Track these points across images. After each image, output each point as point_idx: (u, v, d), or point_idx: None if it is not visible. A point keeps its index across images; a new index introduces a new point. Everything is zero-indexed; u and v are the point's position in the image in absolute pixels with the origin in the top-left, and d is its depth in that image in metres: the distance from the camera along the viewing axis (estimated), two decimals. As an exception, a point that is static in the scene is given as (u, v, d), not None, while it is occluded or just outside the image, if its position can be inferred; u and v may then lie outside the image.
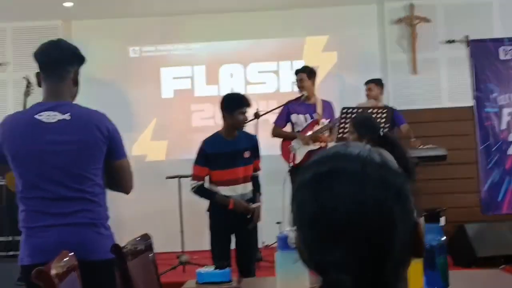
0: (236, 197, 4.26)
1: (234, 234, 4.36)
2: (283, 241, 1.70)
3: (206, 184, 4.34)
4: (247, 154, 4.31)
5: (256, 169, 4.44)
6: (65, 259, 1.90)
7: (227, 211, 4.25)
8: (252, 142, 4.38)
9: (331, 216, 0.85)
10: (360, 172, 0.86)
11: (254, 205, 4.31)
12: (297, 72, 6.01)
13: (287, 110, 5.87)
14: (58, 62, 2.58)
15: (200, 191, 4.29)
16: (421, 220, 0.89)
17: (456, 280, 2.29)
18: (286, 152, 5.81)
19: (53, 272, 1.71)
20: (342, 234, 0.84)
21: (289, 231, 1.69)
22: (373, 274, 0.84)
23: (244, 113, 4.29)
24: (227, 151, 4.25)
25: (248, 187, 4.37)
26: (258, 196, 4.42)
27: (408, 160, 3.49)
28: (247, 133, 4.48)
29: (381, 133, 4.01)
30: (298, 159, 5.67)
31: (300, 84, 5.94)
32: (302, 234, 0.90)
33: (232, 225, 4.32)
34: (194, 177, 4.28)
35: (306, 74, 5.96)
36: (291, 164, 5.65)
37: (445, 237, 2.24)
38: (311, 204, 0.87)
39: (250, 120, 5.29)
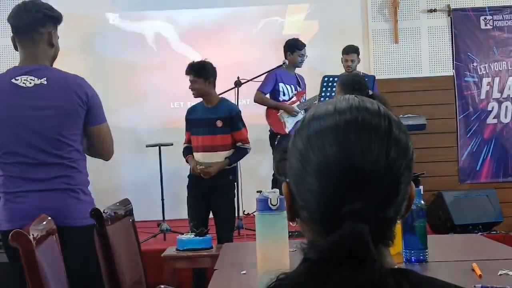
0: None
1: (210, 203, 4.43)
2: (264, 203, 1.70)
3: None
4: (219, 124, 4.33)
5: (238, 140, 4.42)
6: (43, 223, 1.88)
7: (201, 178, 4.35)
8: (228, 113, 4.38)
9: (358, 165, 0.87)
10: (387, 129, 0.90)
11: (200, 167, 4.34)
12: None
13: (275, 78, 5.77)
14: (30, 25, 2.52)
15: (182, 152, 4.57)
16: (412, 183, 0.93)
17: (435, 244, 2.32)
18: (274, 120, 5.77)
19: (31, 235, 1.69)
20: (367, 184, 0.86)
21: (270, 193, 1.68)
22: (378, 227, 0.87)
23: (190, 81, 4.41)
24: (198, 117, 4.42)
25: (218, 157, 4.38)
26: (225, 161, 4.39)
27: None
28: (229, 103, 4.54)
29: (370, 93, 3.88)
30: (289, 128, 5.69)
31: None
32: (319, 183, 0.89)
33: (206, 192, 4.38)
34: (185, 140, 4.60)
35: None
36: (283, 132, 5.66)
37: (423, 202, 2.27)
38: (337, 151, 0.88)
39: (230, 89, 5.28)
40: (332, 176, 0.88)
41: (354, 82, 3.83)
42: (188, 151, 4.53)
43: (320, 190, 0.89)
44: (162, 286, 0.67)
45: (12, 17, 2.55)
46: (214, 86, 4.47)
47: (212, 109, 4.40)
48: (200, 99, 4.52)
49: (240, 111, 4.52)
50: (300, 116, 5.74)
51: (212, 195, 4.38)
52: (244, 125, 4.49)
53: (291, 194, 0.94)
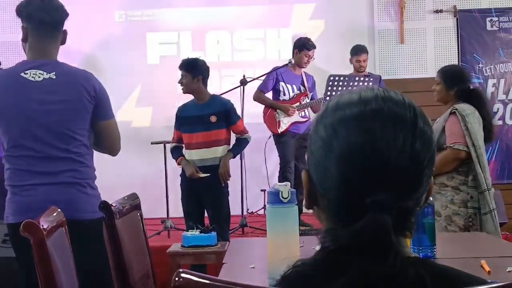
0: (192, 161, 4.40)
1: (204, 202, 4.46)
2: (275, 196, 1.70)
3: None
4: (213, 119, 4.34)
5: (237, 132, 4.51)
6: (53, 214, 1.89)
7: (194, 179, 4.37)
8: (221, 107, 4.41)
9: (383, 155, 0.86)
10: (413, 121, 0.89)
11: (202, 174, 4.35)
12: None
13: (275, 77, 5.71)
14: (57, 23, 2.53)
15: (171, 151, 4.62)
16: (431, 179, 0.93)
17: (442, 241, 2.33)
18: (269, 118, 5.74)
19: (42, 226, 1.69)
20: (391, 175, 0.86)
21: (281, 185, 1.68)
22: (399, 217, 0.86)
23: (182, 76, 4.48)
24: (191, 114, 4.43)
25: (213, 153, 4.41)
26: (228, 154, 4.44)
27: (490, 120, 3.47)
28: (220, 98, 4.58)
29: (471, 87, 3.75)
30: (283, 128, 5.64)
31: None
32: (341, 171, 0.88)
33: (199, 192, 4.40)
34: (172, 138, 4.62)
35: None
36: (275, 132, 5.63)
37: (431, 199, 2.27)
38: (361, 140, 0.87)
39: (233, 89, 5.28)
40: (356, 165, 0.87)
41: (457, 73, 3.73)
42: (177, 152, 4.55)
43: (342, 178, 0.88)
44: (181, 270, 0.66)
45: (37, 10, 2.48)
46: (205, 84, 4.48)
47: (204, 105, 4.42)
48: (191, 97, 4.54)
49: (233, 104, 4.55)
50: (297, 116, 5.69)
51: (206, 194, 4.40)
52: (239, 117, 4.55)
53: (311, 181, 0.94)
